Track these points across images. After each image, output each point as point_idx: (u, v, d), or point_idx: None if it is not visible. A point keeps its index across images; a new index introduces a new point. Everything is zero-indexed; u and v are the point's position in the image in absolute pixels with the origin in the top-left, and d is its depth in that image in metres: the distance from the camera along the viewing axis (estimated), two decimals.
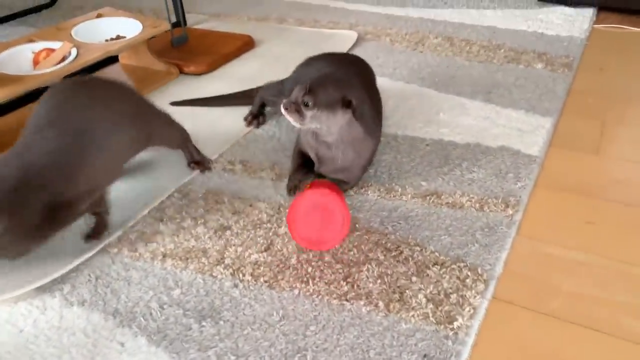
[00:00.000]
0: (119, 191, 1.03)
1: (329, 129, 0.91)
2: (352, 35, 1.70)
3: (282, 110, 0.89)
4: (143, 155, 1.03)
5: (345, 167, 0.97)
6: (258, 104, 1.26)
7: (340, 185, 0.97)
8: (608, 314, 0.76)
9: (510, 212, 0.93)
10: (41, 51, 1.28)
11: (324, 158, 0.97)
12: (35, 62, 1.27)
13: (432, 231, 0.91)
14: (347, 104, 0.89)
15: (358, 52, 1.60)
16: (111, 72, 1.51)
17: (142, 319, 0.79)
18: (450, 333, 0.73)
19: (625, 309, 0.77)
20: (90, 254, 0.90)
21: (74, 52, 1.27)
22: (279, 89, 1.19)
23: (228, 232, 0.94)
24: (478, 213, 0.94)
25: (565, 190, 1.01)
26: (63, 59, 1.25)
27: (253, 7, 2.05)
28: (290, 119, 0.90)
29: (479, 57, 1.51)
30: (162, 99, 1.39)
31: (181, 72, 1.51)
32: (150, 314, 0.79)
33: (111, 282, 0.85)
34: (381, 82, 1.38)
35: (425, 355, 0.70)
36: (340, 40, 1.68)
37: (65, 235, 0.92)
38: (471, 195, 0.98)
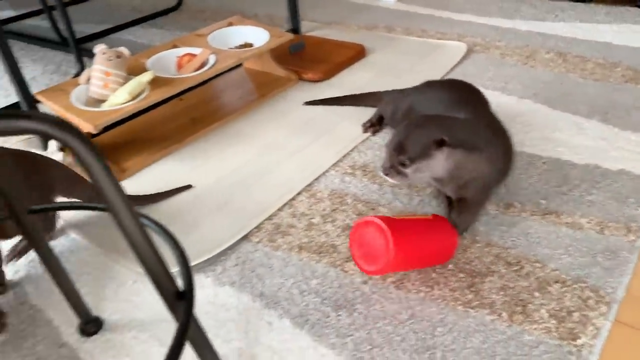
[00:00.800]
0: (257, 184, 1.16)
1: (433, 173, 0.93)
2: (462, 47, 1.74)
3: (383, 176, 0.93)
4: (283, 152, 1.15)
5: (463, 184, 0.97)
6: (377, 115, 1.34)
7: (463, 208, 1.00)
8: None
9: (632, 237, 0.95)
10: (184, 56, 1.44)
11: (443, 189, 1.01)
12: (179, 66, 1.43)
13: (552, 249, 0.95)
14: (440, 144, 0.90)
15: (468, 64, 1.64)
16: (235, 76, 1.66)
17: (285, 303, 0.90)
18: (574, 349, 0.78)
19: None
20: (234, 240, 1.03)
21: (212, 58, 1.41)
22: (395, 106, 1.25)
23: None
24: (598, 236, 0.97)
25: None
26: (202, 65, 1.40)
27: (361, 14, 2.14)
28: (394, 182, 0.94)
29: (594, 75, 1.51)
30: (284, 104, 1.52)
31: (299, 78, 1.63)
32: (292, 299, 0.90)
33: (255, 267, 0.97)
34: (493, 96, 1.43)
35: None
36: (450, 52, 1.72)
37: (214, 221, 1.06)
38: (591, 217, 1.01)
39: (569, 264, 0.92)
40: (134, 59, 1.37)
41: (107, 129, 1.34)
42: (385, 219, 0.87)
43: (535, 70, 1.57)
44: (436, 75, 1.56)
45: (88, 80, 1.26)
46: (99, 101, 1.25)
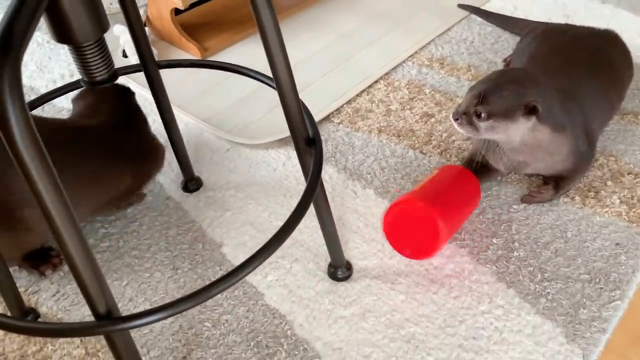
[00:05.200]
0: (336, 70, 1.20)
1: (508, 138, 0.82)
2: None
3: (452, 121, 0.83)
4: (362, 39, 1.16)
5: (548, 167, 0.88)
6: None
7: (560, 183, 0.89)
8: None
9: None
10: None
11: (513, 164, 0.88)
12: None
13: (627, 145, 0.98)
14: (531, 110, 0.79)
15: None
16: None
17: (367, 176, 0.97)
18: None
19: None
20: (318, 119, 1.09)
21: None
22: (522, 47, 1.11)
23: (432, 119, 1.08)
24: None
25: None
26: None
27: None
28: (462, 131, 0.82)
29: None
30: None
31: None
32: (374, 173, 0.98)
33: (338, 144, 1.04)
34: (578, 2, 1.37)
35: (617, 244, 0.82)
36: None
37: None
38: None
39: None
40: None
41: (192, 6, 1.37)
42: (419, 197, 0.79)
43: None
44: None
45: None
46: None
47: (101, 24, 0.51)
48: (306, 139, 0.61)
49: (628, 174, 0.93)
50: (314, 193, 0.58)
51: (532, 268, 0.81)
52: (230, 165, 1.01)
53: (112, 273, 0.84)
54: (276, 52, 0.56)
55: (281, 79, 0.58)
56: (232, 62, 1.02)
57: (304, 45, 1.32)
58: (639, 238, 0.83)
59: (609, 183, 0.92)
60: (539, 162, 0.86)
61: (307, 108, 0.67)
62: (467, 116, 0.81)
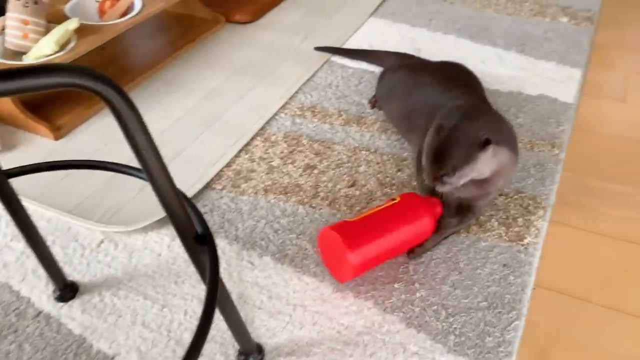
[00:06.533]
0: (208, 132, 1.15)
1: (480, 174, 0.85)
2: None
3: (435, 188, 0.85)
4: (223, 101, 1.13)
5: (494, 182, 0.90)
6: None
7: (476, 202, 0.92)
8: None
9: (556, 151, 1.10)
10: (105, 0, 1.33)
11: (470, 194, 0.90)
12: (101, 12, 1.32)
13: None
14: (485, 143, 0.81)
15: (390, 2, 1.69)
16: (158, 21, 1.57)
17: (262, 242, 0.93)
18: (522, 248, 0.90)
19: None
20: (196, 190, 1.02)
21: (137, 2, 1.32)
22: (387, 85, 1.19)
23: (316, 171, 1.07)
24: (529, 153, 1.10)
25: (600, 133, 1.18)
26: (127, 10, 1.31)
27: None
28: (444, 190, 0.85)
29: (507, 10, 1.63)
30: (215, 47, 1.47)
31: (227, 20, 1.58)
32: (268, 238, 0.94)
33: (224, 213, 0.99)
34: (420, 33, 1.51)
35: (504, 265, 0.88)
36: None
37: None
38: (522, 137, 1.13)
39: (509, 179, 1.04)
40: (50, 4, 1.25)
41: None
42: (346, 226, 0.84)
43: (454, 6, 1.66)
44: (364, 14, 1.60)
45: (2, 29, 1.13)
46: (18, 53, 1.14)
47: None
48: (195, 237, 0.55)
49: (500, 195, 1.00)
50: (216, 296, 0.53)
51: (435, 306, 0.83)
52: (107, 260, 0.91)
53: None
54: (144, 148, 0.49)
55: (154, 175, 0.52)
56: (94, 142, 0.94)
57: (167, 109, 1.25)
58: (520, 256, 0.89)
59: (485, 208, 0.98)
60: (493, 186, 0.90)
61: (190, 201, 0.62)
62: (439, 182, 0.83)
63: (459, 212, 0.91)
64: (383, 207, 0.88)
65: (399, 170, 1.07)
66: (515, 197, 1.00)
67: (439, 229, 0.90)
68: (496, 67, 1.37)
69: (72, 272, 0.88)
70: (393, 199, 0.89)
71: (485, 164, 0.83)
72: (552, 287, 0.87)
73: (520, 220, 0.95)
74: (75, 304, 0.84)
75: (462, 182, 0.83)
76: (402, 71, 1.16)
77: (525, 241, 0.92)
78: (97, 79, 0.40)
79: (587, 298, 0.85)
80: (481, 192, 0.89)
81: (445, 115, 0.86)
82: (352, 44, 1.48)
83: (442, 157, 0.82)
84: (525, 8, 1.64)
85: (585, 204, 1.01)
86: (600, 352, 0.78)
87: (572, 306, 0.84)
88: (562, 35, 1.49)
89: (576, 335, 0.81)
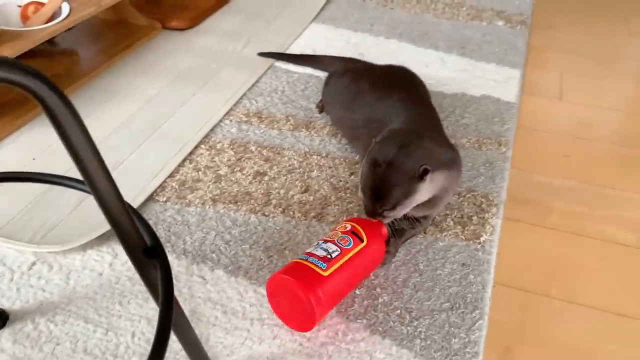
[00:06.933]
0: (148, 141, 1.07)
1: (422, 200, 0.84)
2: None
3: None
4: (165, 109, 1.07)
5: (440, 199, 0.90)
6: None
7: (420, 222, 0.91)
8: (594, 224, 0.98)
9: (504, 149, 1.12)
10: (28, 5, 1.23)
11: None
12: (24, 17, 1.22)
13: None
14: (423, 173, 0.80)
15: (331, 8, 1.68)
16: (90, 28, 1.48)
17: (213, 255, 0.87)
18: (479, 246, 0.90)
19: (607, 220, 0.99)
20: (138, 203, 0.95)
21: (65, 7, 1.23)
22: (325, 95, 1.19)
23: (266, 177, 1.03)
24: (477, 151, 1.11)
25: (541, 130, 1.21)
26: (54, 15, 1.22)
27: None
28: (388, 222, 0.84)
29: (446, 15, 1.67)
30: (151, 55, 1.41)
31: (163, 27, 1.51)
32: (220, 250, 0.88)
33: (170, 226, 0.92)
34: (362, 38, 1.51)
35: (463, 264, 0.87)
36: None
37: None
38: (469, 137, 1.15)
39: (462, 178, 1.04)
40: None
41: None
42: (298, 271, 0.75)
43: (394, 12, 1.68)
44: (306, 19, 1.58)
45: None
46: None
47: None
48: (144, 250, 0.50)
49: (453, 195, 1.00)
50: (171, 313, 0.47)
51: (399, 311, 0.81)
52: (41, 283, 0.82)
53: None
54: (84, 152, 0.43)
55: (97, 182, 0.45)
56: (21, 157, 0.85)
57: (103, 119, 1.16)
58: (478, 254, 0.89)
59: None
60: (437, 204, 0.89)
61: (137, 212, 0.56)
62: (380, 215, 0.82)
63: (411, 223, 0.89)
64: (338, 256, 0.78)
65: (352, 173, 1.05)
66: (468, 195, 1.00)
67: (398, 234, 0.88)
68: (439, 70, 1.38)
69: (1, 299, 0.79)
70: (344, 227, 0.82)
71: (425, 191, 0.82)
72: (511, 284, 0.87)
73: (475, 218, 0.96)
74: (4, 333, 0.74)
75: (403, 212, 0.83)
76: (345, 77, 1.15)
77: (482, 239, 0.91)
78: (28, 74, 0.34)
79: (545, 293, 0.86)
80: (427, 209, 0.89)
81: (380, 146, 0.83)
82: (295, 49, 1.45)
83: (382, 194, 0.80)
84: (462, 12, 1.68)
85: (534, 199, 1.03)
86: (563, 345, 0.79)
87: (531, 301, 0.85)
88: (499, 38, 1.54)
89: (538, 330, 0.81)
